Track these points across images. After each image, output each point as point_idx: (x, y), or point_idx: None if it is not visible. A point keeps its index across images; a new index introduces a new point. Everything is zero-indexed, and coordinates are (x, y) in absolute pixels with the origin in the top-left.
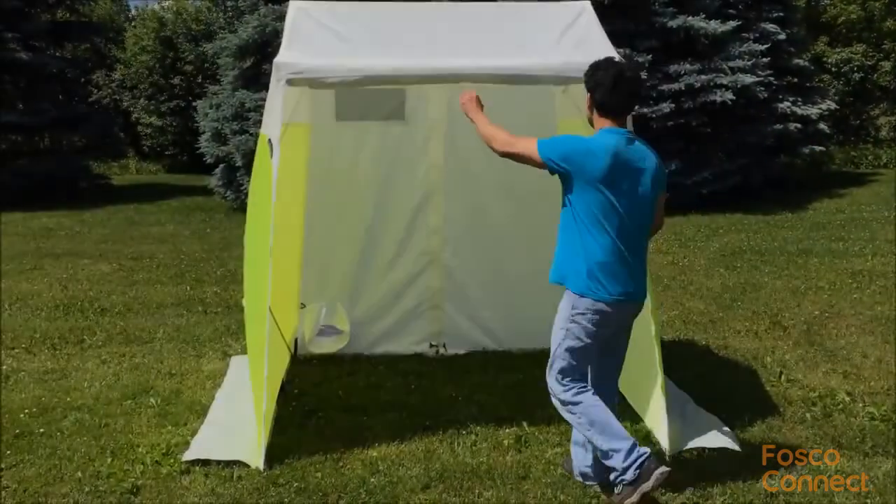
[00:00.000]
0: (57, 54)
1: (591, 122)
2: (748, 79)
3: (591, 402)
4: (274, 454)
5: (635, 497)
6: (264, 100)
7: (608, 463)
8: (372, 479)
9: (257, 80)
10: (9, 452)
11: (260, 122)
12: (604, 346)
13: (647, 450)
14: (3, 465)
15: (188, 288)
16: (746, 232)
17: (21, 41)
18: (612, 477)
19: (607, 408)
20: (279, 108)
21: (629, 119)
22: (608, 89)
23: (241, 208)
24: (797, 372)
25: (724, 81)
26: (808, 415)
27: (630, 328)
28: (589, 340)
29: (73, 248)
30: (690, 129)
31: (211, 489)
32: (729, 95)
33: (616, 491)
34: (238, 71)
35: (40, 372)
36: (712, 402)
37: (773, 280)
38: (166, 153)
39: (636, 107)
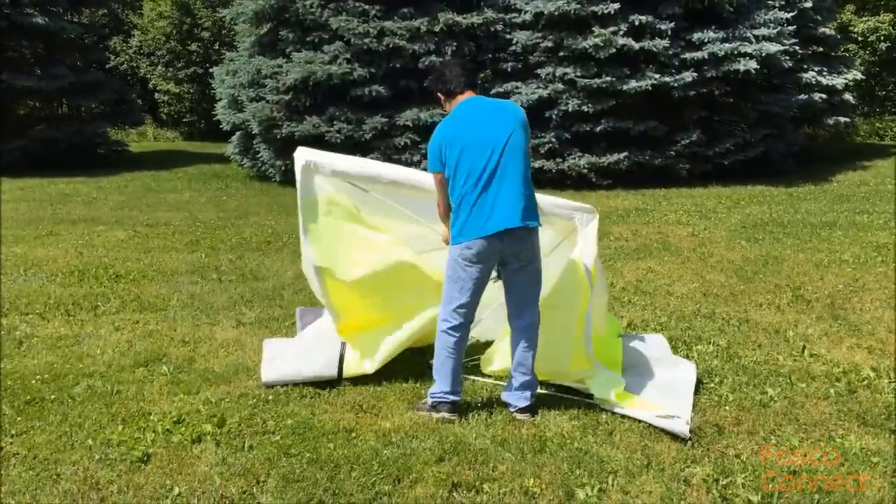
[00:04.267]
0: (74, 20)
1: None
2: (773, 47)
3: (450, 345)
4: (286, 425)
5: (420, 412)
6: (280, 66)
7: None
8: (385, 451)
9: (273, 46)
10: (19, 419)
11: (276, 89)
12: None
13: (449, 399)
14: (13, 432)
15: (203, 255)
16: (768, 204)
17: (38, 6)
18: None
19: (460, 361)
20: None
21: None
22: (438, 80)
23: (258, 176)
24: (820, 346)
25: (749, 50)
26: (831, 391)
27: (523, 259)
28: (465, 274)
29: (89, 214)
30: (713, 98)
31: (222, 458)
32: (753, 64)
33: (422, 401)
34: (254, 37)
35: (53, 338)
36: (734, 377)
37: (796, 253)
38: (184, 120)
39: (475, 80)
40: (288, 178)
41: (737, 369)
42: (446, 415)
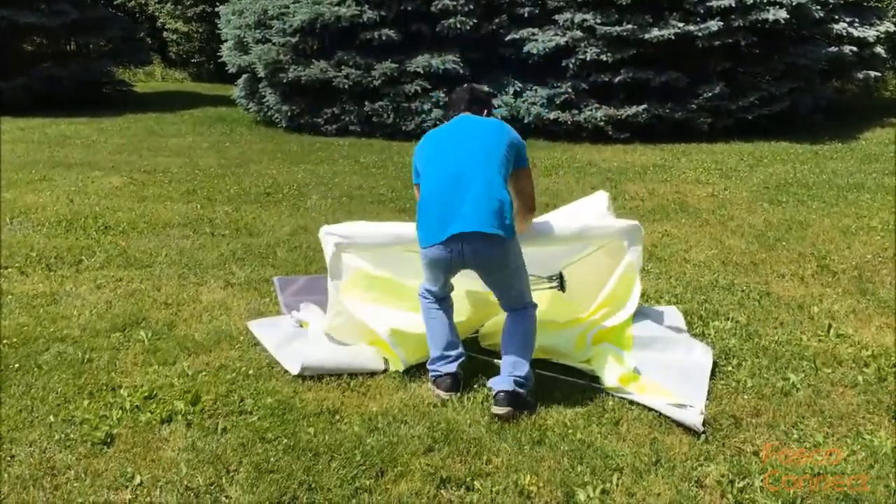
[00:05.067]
0: None
1: None
2: None
3: (433, 315)
4: (265, 405)
5: (434, 390)
6: (287, 7)
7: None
8: (369, 439)
9: None
10: None
11: (283, 30)
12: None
13: (443, 371)
14: None
15: (198, 206)
16: (792, 162)
17: None
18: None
19: (445, 322)
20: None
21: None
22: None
23: (264, 121)
24: (847, 325)
25: None
26: (860, 377)
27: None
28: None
29: (86, 157)
30: (738, 49)
31: (191, 443)
32: (782, 14)
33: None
34: None
35: (29, 296)
36: (753, 359)
37: (821, 217)
38: (192, 61)
39: (475, 109)
40: (293, 125)
41: (757, 350)
42: (441, 393)
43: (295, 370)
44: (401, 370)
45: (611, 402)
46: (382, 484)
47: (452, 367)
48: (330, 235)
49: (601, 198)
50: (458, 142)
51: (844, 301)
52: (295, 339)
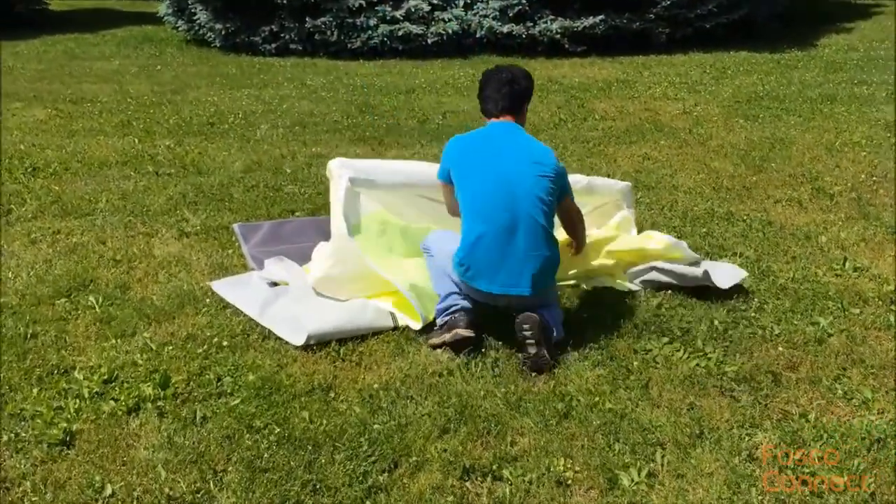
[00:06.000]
0: None
1: None
2: None
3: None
4: (247, 383)
5: (434, 340)
6: None
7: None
8: (374, 423)
9: None
10: None
11: None
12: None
13: (461, 304)
14: None
15: (136, 140)
16: (757, 73)
17: None
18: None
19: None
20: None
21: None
22: (480, 93)
23: (195, 40)
24: (862, 256)
25: None
26: (891, 318)
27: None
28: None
29: (3, 87)
30: None
31: (167, 438)
32: None
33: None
34: None
35: None
36: (774, 301)
37: (802, 133)
38: None
39: (517, 106)
40: (229, 44)
41: (775, 291)
42: (462, 331)
43: (299, 340)
44: (418, 326)
45: (635, 362)
46: (398, 479)
47: (469, 303)
48: (343, 169)
49: (624, 187)
50: (507, 174)
51: (850, 228)
52: (277, 299)
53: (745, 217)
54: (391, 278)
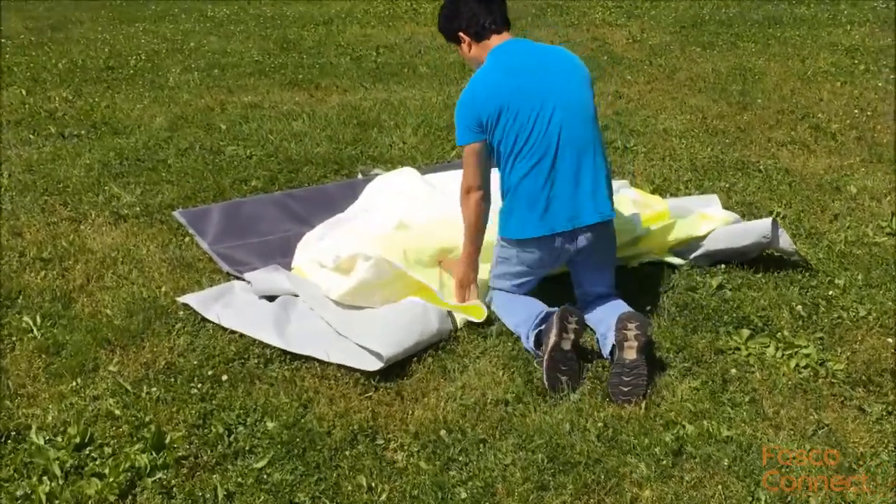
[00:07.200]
0: None
1: (477, 64)
2: None
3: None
4: (267, 435)
5: (546, 362)
6: None
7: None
8: (453, 483)
9: None
10: None
11: None
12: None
13: (547, 310)
14: None
15: (23, 92)
16: None
17: None
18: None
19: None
20: None
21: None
22: (453, 13)
23: None
24: None
25: None
26: None
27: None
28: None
29: None
30: None
31: None
32: None
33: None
34: None
35: None
36: (840, 271)
37: (766, 62)
38: None
39: (507, 19)
40: None
41: (836, 259)
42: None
43: (373, 366)
44: (482, 319)
45: (731, 368)
46: None
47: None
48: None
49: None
50: (549, 92)
51: (873, 175)
52: (288, 314)
53: (758, 166)
54: (422, 278)
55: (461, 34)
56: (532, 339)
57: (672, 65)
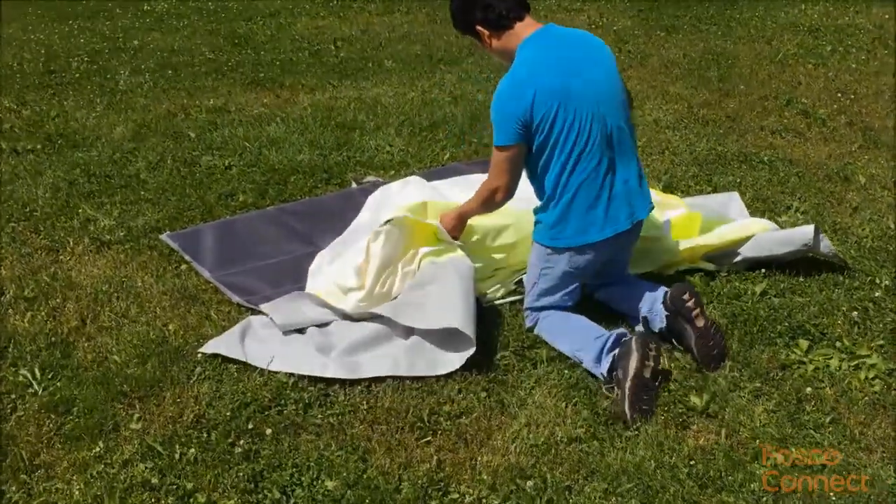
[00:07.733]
0: None
1: (506, 57)
2: None
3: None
4: (333, 496)
5: (628, 392)
6: None
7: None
8: None
9: None
10: None
11: None
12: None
13: (616, 332)
14: None
15: None
16: None
17: None
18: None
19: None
20: None
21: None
22: (471, 6)
23: None
24: None
25: None
26: None
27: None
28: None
29: None
30: None
31: None
32: None
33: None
34: None
35: None
36: (877, 271)
37: (733, 45)
38: None
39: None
40: None
41: (869, 256)
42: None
43: (452, 365)
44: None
45: (806, 388)
46: None
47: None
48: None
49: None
50: (592, 85)
51: (876, 162)
52: (329, 338)
53: (760, 157)
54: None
55: (479, 28)
56: (607, 364)
57: (642, 51)
